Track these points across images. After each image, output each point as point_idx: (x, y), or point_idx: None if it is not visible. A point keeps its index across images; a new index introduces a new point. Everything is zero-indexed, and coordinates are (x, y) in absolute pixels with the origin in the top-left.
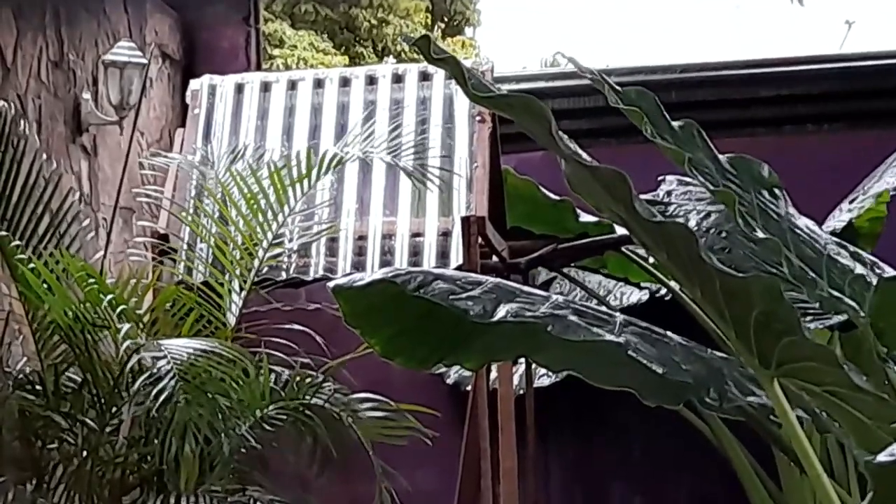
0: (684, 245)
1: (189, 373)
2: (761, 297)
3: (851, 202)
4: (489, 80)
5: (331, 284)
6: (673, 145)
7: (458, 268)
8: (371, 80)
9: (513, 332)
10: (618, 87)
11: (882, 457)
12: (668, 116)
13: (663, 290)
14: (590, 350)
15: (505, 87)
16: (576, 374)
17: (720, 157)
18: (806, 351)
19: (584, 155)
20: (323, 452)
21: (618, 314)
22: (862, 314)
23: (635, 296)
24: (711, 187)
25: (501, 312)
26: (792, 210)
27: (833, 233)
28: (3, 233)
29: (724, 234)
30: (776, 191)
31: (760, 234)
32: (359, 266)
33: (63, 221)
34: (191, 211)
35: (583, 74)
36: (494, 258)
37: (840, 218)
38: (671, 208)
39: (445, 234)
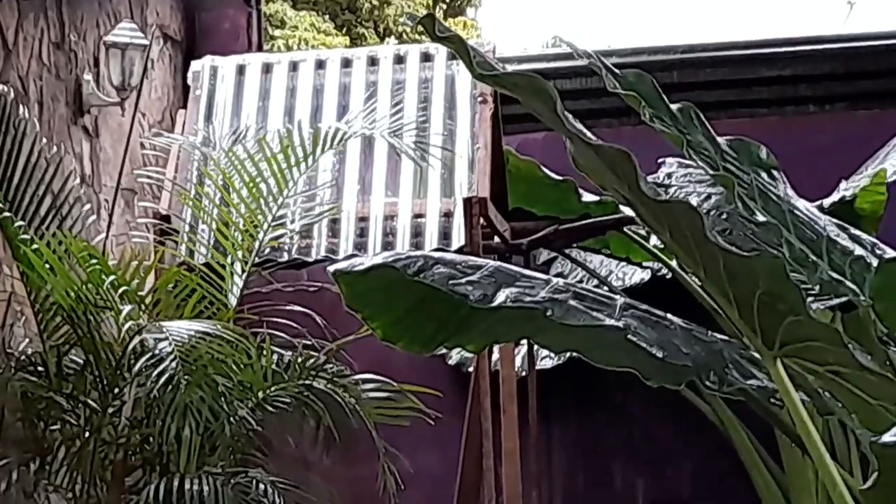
0: (689, 224)
1: (191, 354)
2: (766, 277)
3: (849, 182)
4: (490, 61)
5: (331, 269)
6: (671, 128)
7: (460, 249)
8: (372, 62)
9: (513, 317)
10: (616, 71)
11: (887, 437)
12: (666, 99)
13: (665, 269)
14: (590, 334)
15: (507, 69)
16: (578, 354)
17: (719, 139)
18: (810, 330)
19: (589, 134)
20: (325, 434)
21: (618, 297)
22: (862, 296)
23: (637, 276)
24: (710, 170)
25: (501, 297)
26: (791, 192)
27: (822, 208)
28: (6, 214)
29: (724, 216)
30: (775, 173)
31: (760, 217)
32: (360, 247)
33: (65, 203)
34: (192, 192)
35: (581, 57)
36: (496, 239)
37: (833, 197)
38: (671, 190)
39: (447, 216)
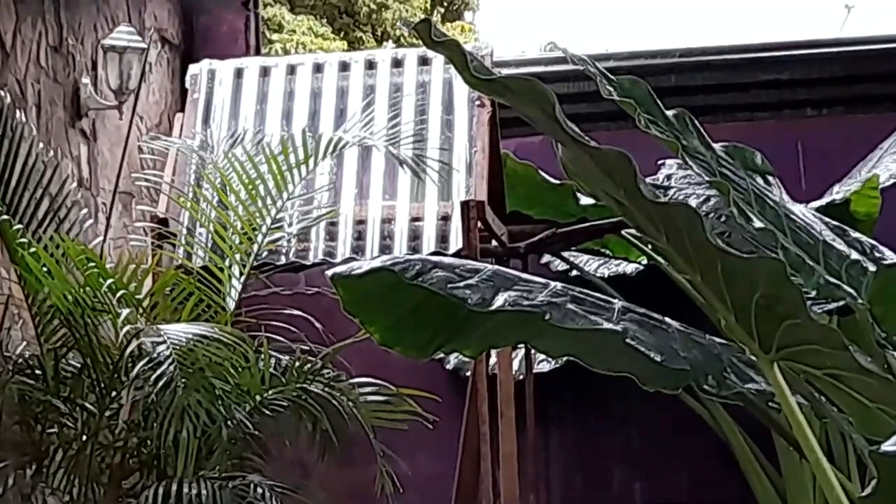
0: (688, 227)
1: (188, 358)
2: (765, 279)
3: (841, 186)
4: (488, 64)
5: (329, 272)
6: (667, 134)
7: (458, 252)
8: (370, 65)
9: (511, 321)
10: (611, 76)
11: (887, 446)
12: (661, 105)
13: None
14: (588, 338)
15: (504, 72)
16: (575, 359)
17: (715, 145)
18: (809, 333)
19: (586, 138)
20: (322, 437)
21: (616, 301)
22: (860, 300)
23: (631, 266)
24: (707, 176)
25: (499, 301)
26: (786, 196)
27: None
28: (4, 217)
29: (723, 219)
30: (770, 178)
31: (757, 223)
32: (358, 250)
33: (62, 206)
34: (190, 195)
35: (576, 63)
36: (494, 242)
37: (823, 201)
38: (671, 192)
39: (445, 219)
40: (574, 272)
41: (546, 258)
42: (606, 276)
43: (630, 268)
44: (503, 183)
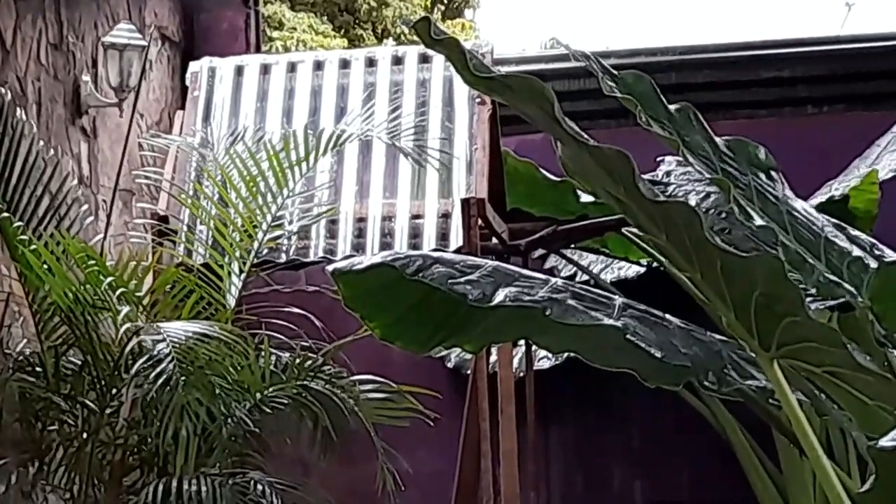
0: (687, 225)
1: (188, 356)
2: (764, 277)
3: (839, 182)
4: (488, 62)
5: (330, 268)
6: (669, 130)
7: (458, 250)
8: (371, 63)
9: (512, 316)
10: (614, 72)
11: (885, 441)
12: (664, 101)
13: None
14: (588, 334)
15: (504, 69)
16: (576, 355)
17: (717, 140)
18: (808, 331)
19: (585, 136)
20: (323, 434)
21: (617, 297)
22: (860, 297)
23: (633, 269)
24: (708, 172)
25: (500, 296)
26: (789, 192)
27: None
28: (5, 214)
29: (723, 215)
30: (773, 174)
31: (757, 220)
32: (358, 248)
33: (63, 203)
34: (190, 193)
35: (577, 60)
36: (494, 240)
37: (822, 197)
38: (670, 189)
39: (445, 216)
40: (580, 276)
41: (549, 263)
42: (608, 280)
43: (631, 271)
44: (503, 180)
